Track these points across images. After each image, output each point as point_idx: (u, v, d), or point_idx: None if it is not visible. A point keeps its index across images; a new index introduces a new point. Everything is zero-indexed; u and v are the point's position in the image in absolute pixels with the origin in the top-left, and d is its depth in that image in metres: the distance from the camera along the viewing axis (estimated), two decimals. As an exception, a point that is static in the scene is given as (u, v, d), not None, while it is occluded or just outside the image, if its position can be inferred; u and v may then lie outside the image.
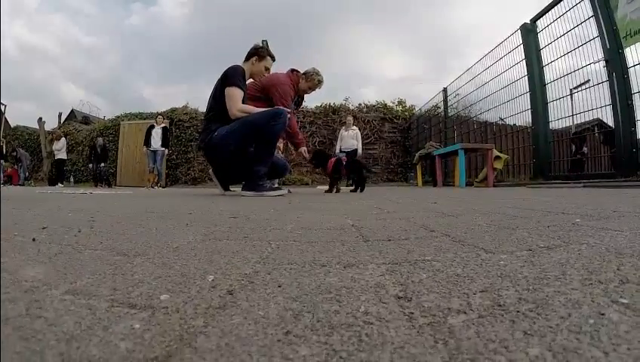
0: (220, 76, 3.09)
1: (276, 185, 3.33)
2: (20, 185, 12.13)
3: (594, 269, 0.48)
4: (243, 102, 3.01)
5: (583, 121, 4.99)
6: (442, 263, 0.54)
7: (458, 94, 8.17)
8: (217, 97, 3.02)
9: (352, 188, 3.87)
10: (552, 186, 4.23)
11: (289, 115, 3.19)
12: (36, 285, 0.45)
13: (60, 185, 10.64)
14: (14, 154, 13.33)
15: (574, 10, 4.82)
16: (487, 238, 0.76)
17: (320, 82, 3.89)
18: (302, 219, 1.22)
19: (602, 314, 0.32)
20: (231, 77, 2.99)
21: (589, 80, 4.64)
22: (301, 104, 4.36)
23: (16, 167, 13.36)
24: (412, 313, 0.34)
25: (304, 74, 3.88)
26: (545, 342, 0.27)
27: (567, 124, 5.19)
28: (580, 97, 4.83)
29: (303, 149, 3.99)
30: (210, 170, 3.51)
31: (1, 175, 13.40)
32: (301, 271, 0.52)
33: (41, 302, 0.38)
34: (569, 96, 4.98)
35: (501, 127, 6.55)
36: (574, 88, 4.93)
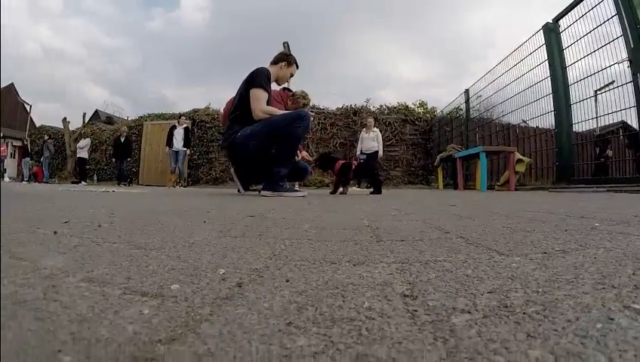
0: (245, 77, 3.13)
1: (297, 188, 3.35)
2: (44, 182, 12.58)
3: (608, 273, 0.47)
4: (267, 104, 3.04)
5: (607, 123, 4.78)
6: (453, 264, 0.54)
7: (480, 96, 7.98)
8: (242, 98, 3.05)
9: (371, 190, 3.85)
10: (574, 190, 4.07)
11: (312, 119, 3.22)
12: (55, 273, 0.47)
13: (83, 183, 10.98)
14: (44, 145, 13.75)
15: (597, 9, 4.63)
16: (502, 241, 0.74)
17: (305, 105, 3.97)
18: (319, 219, 1.22)
19: (612, 319, 0.31)
20: (256, 78, 3.03)
21: (614, 81, 4.44)
22: None
23: (42, 164, 13.87)
24: (415, 310, 0.34)
25: (292, 95, 3.99)
26: (548, 345, 0.26)
27: (591, 127, 4.98)
28: (604, 99, 4.63)
29: (305, 154, 4.06)
30: (232, 170, 3.57)
31: (27, 172, 14.02)
32: (310, 267, 0.52)
33: (57, 288, 0.41)
34: (593, 98, 4.76)
35: (524, 129, 6.35)
36: (599, 89, 4.73)
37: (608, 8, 4.44)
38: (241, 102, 3.06)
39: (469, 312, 0.33)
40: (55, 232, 0.83)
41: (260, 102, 2.98)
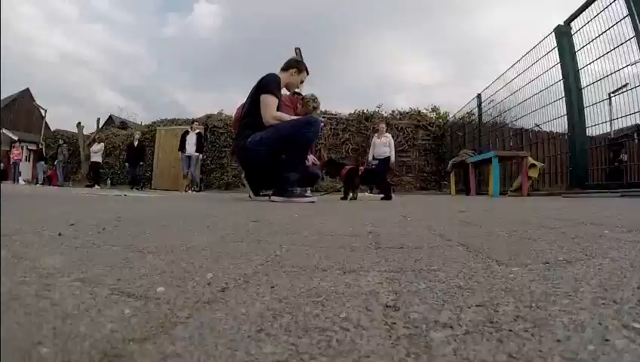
0: (255, 83, 3.16)
1: (308, 193, 3.35)
2: (58, 185, 12.86)
3: (611, 286, 0.44)
4: (278, 110, 3.06)
5: (621, 126, 4.63)
6: (447, 273, 0.52)
7: (493, 100, 7.86)
8: (253, 104, 3.07)
9: (382, 196, 3.82)
10: (587, 196, 3.94)
11: (322, 125, 3.23)
12: (51, 272, 0.50)
13: (96, 186, 11.19)
14: (59, 149, 14.12)
15: (609, 10, 4.51)
16: (504, 249, 0.72)
17: (315, 109, 3.98)
18: (322, 225, 1.22)
19: (607, 340, 0.29)
20: (267, 84, 3.05)
21: (627, 83, 4.32)
22: None
23: (55, 168, 14.21)
24: (394, 323, 0.33)
25: (302, 98, 4.00)
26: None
27: (606, 130, 4.84)
28: (618, 101, 4.49)
29: (311, 157, 4.04)
30: (242, 175, 3.59)
31: (41, 175, 14.41)
32: (299, 274, 0.52)
33: (50, 286, 0.43)
34: (607, 101, 4.63)
35: (537, 133, 6.21)
36: (613, 92, 4.60)
37: (620, 10, 4.33)
38: (251, 108, 3.08)
39: (451, 327, 0.32)
40: (60, 234, 0.86)
41: (270, 108, 2.99)
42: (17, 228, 0.95)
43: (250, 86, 3.24)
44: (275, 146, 2.96)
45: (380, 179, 3.85)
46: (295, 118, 3.06)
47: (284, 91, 3.54)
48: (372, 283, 0.47)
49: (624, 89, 4.42)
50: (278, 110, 3.07)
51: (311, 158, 3.85)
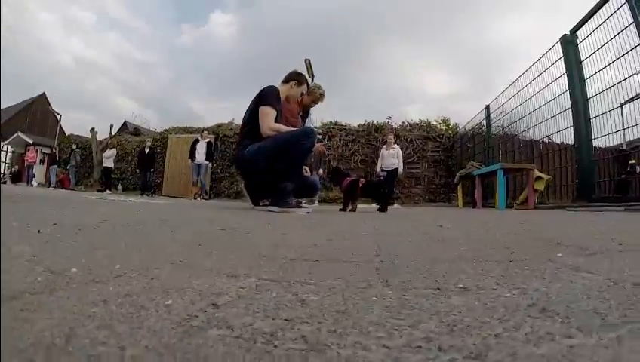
0: (256, 94, 3.22)
1: (304, 203, 3.35)
2: (71, 189, 13.20)
3: (463, 328, 0.37)
4: (276, 121, 3.10)
5: (634, 137, 4.46)
6: (304, 289, 0.52)
7: (503, 111, 7.75)
8: (252, 114, 3.13)
9: (378, 207, 3.76)
10: (591, 210, 3.78)
11: (319, 136, 3.27)
12: (16, 256, 0.68)
13: (107, 191, 11.44)
14: (71, 154, 14.54)
15: (614, 18, 4.41)
16: (413, 270, 0.69)
17: (322, 95, 4.05)
18: (284, 237, 1.21)
19: None
20: (265, 96, 3.11)
21: None
22: (306, 117, 4.50)
23: (68, 172, 14.62)
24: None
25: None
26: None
27: (617, 141, 4.66)
28: (630, 111, 4.34)
29: (317, 146, 4.07)
30: (242, 184, 3.63)
31: (54, 178, 14.84)
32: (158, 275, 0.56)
33: (12, 264, 0.61)
34: (619, 111, 4.47)
35: (548, 145, 6.06)
36: (625, 102, 4.44)
37: (626, 17, 4.22)
38: (250, 119, 3.14)
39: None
40: (39, 231, 1.01)
41: (268, 120, 3.04)
42: (9, 223, 1.13)
43: None
44: (272, 156, 2.98)
45: (380, 191, 3.80)
46: (292, 129, 3.09)
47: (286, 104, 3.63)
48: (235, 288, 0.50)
49: (636, 98, 4.27)
50: (277, 121, 3.12)
51: (308, 168, 3.85)
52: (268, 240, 1.11)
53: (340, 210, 3.73)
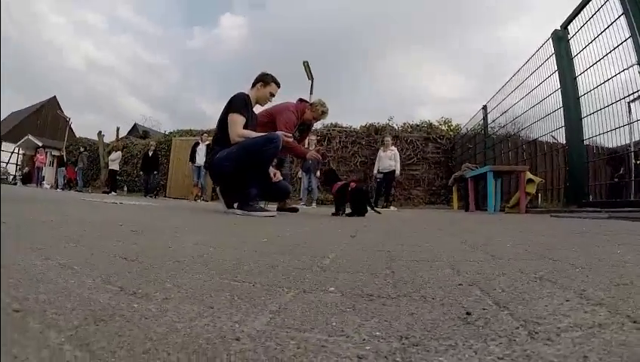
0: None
1: (268, 207, 3.35)
2: (78, 191, 13.45)
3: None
4: (246, 128, 3.16)
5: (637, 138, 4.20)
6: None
7: (505, 112, 7.59)
8: (222, 122, 3.22)
9: (350, 211, 3.62)
10: (577, 216, 3.58)
11: (289, 139, 3.26)
12: None
13: (113, 193, 11.60)
14: (79, 157, 14.78)
15: (604, 10, 4.20)
16: (294, 276, 0.67)
17: (324, 113, 4.03)
18: (199, 241, 1.19)
19: None
20: (233, 104, 3.19)
21: None
22: (308, 132, 4.44)
23: (76, 173, 14.87)
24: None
25: (310, 104, 4.05)
26: None
27: (624, 142, 4.40)
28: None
29: (311, 153, 4.04)
30: (217, 189, 3.64)
31: (61, 180, 15.11)
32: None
33: None
34: (619, 109, 4.17)
35: (544, 145, 5.84)
36: (633, 100, 4.20)
37: (616, 9, 4.03)
38: (221, 126, 3.23)
39: None
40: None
41: (236, 127, 3.12)
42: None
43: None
44: (238, 162, 3.06)
45: (358, 200, 3.61)
46: (258, 135, 3.11)
47: (263, 108, 3.66)
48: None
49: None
50: (246, 128, 3.18)
51: (272, 172, 3.73)
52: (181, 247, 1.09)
53: (332, 214, 3.63)
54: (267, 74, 3.39)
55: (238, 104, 3.18)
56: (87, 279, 0.58)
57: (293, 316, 0.44)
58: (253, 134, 3.14)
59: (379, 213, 3.59)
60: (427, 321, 0.44)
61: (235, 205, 3.20)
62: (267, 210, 3.11)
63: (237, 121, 3.13)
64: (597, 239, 1.50)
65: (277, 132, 3.23)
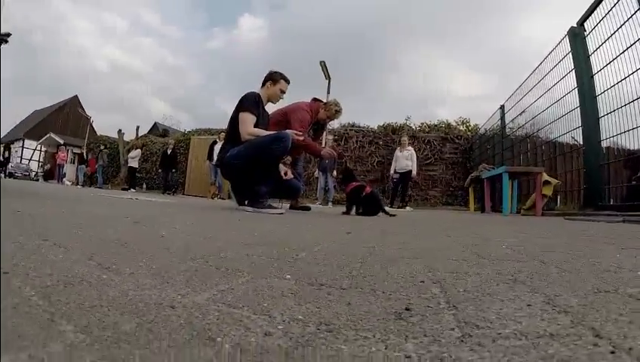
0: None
1: (278, 205, 3.40)
2: (98, 187, 13.88)
3: None
4: (257, 126, 3.22)
5: None
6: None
7: (523, 112, 7.40)
8: (233, 120, 3.29)
9: (360, 211, 3.65)
10: (589, 219, 3.44)
11: (299, 137, 3.30)
12: None
13: (132, 190, 11.94)
14: (99, 154, 15.20)
15: (621, 5, 4.02)
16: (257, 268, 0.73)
17: (337, 112, 4.05)
18: (193, 232, 1.25)
19: None
20: (244, 103, 3.25)
21: None
22: (322, 131, 4.46)
23: (96, 169, 15.27)
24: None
25: (324, 104, 4.08)
26: None
27: None
28: None
29: (326, 150, 4.00)
30: (229, 186, 3.75)
31: (82, 177, 15.67)
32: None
33: None
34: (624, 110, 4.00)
35: (573, 146, 5.61)
36: None
37: (632, 4, 3.85)
38: (232, 125, 3.29)
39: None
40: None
41: (246, 125, 3.18)
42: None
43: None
44: (248, 160, 3.11)
45: (374, 206, 3.62)
46: (268, 133, 3.17)
47: (277, 108, 3.73)
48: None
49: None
50: (257, 126, 3.23)
51: (283, 170, 3.77)
52: (175, 239, 1.16)
53: (343, 213, 3.68)
54: (275, 72, 3.44)
55: (249, 102, 3.24)
56: (72, 256, 0.67)
57: (234, 295, 0.49)
58: (264, 132, 3.18)
59: (393, 215, 3.57)
60: (360, 313, 0.44)
61: (246, 202, 3.28)
62: (276, 208, 3.14)
63: (247, 119, 3.18)
64: (600, 242, 1.46)
65: (286, 130, 3.27)
